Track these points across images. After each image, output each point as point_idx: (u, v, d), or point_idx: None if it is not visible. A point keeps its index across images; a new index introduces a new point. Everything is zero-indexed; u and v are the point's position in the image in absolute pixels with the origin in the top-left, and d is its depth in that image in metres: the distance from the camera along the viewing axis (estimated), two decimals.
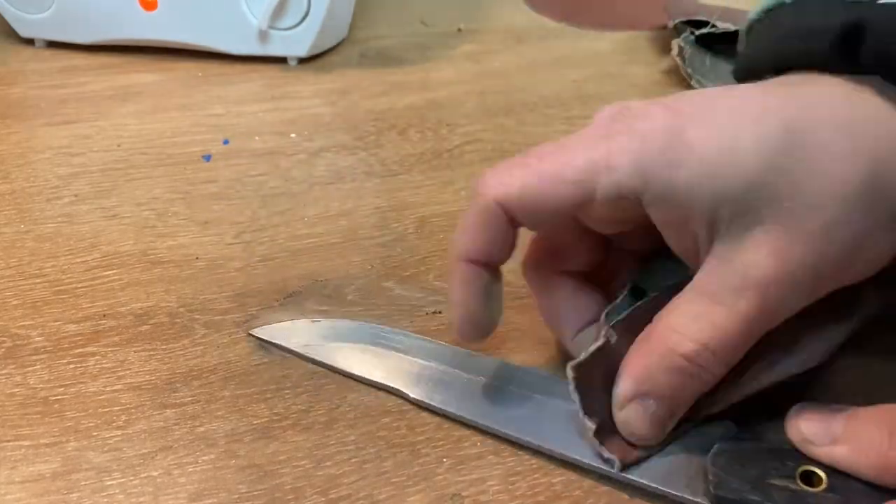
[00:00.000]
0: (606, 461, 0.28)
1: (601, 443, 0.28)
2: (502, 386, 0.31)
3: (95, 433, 0.30)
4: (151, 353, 0.33)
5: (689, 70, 0.52)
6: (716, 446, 0.27)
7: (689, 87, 0.52)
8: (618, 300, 0.30)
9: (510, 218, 0.27)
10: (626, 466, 0.28)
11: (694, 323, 0.26)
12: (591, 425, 0.28)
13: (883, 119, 0.26)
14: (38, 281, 0.36)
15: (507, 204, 0.26)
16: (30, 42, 0.53)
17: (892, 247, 0.26)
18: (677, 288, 0.27)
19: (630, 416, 0.27)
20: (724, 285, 0.25)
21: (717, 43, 0.54)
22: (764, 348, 0.27)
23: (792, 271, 0.25)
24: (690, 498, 0.27)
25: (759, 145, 0.25)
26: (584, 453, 0.28)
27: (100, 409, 0.31)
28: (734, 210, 0.25)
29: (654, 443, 0.28)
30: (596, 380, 0.28)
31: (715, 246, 0.26)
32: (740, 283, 0.25)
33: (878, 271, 0.27)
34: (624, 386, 0.27)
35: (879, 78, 0.26)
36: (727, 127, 0.25)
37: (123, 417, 0.30)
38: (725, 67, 0.54)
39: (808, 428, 0.26)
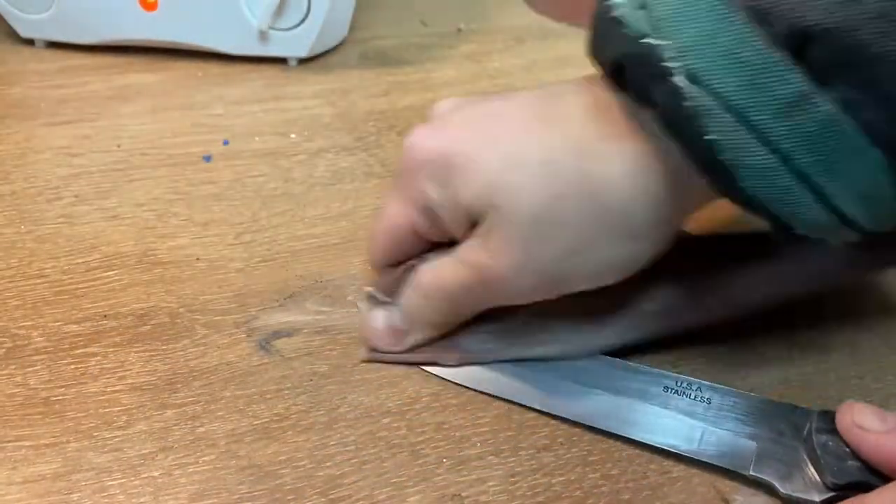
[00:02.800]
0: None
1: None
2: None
3: (96, 434, 0.30)
4: (152, 353, 0.33)
5: None
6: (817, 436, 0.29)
7: None
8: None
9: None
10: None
11: (438, 268, 0.31)
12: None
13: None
14: (38, 281, 0.36)
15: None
16: (30, 42, 0.53)
17: (626, 258, 0.30)
18: None
19: (377, 317, 0.33)
20: (461, 255, 0.31)
21: None
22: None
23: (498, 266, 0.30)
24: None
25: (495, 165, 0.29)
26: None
27: (100, 410, 0.31)
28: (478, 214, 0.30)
29: (391, 346, 0.33)
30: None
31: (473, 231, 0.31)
32: (458, 253, 0.31)
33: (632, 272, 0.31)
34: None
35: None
36: (473, 143, 0.30)
37: (124, 418, 0.30)
38: None
39: (861, 415, 0.28)
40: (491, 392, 0.32)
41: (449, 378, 0.32)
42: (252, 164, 0.44)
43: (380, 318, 0.33)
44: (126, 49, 0.52)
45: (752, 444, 0.29)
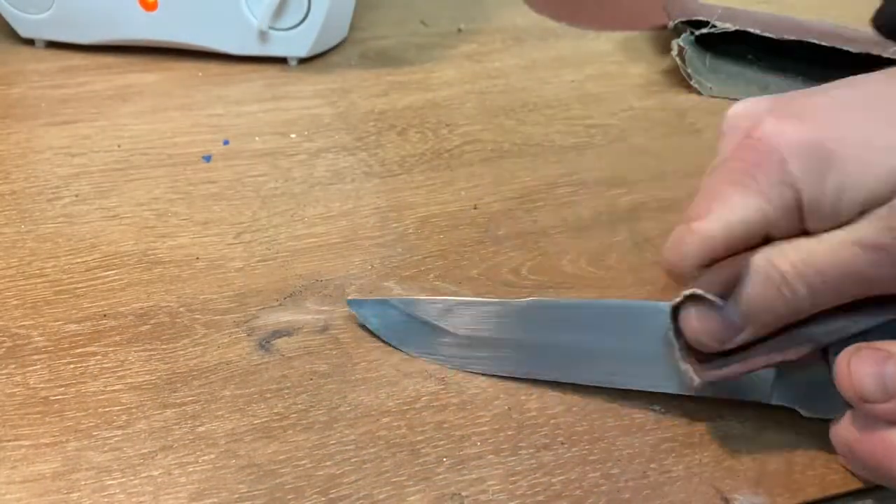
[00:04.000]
0: (684, 373, 0.28)
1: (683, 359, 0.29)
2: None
3: (96, 433, 0.30)
4: (152, 352, 0.33)
5: (689, 70, 0.52)
6: None
7: (689, 87, 0.52)
8: None
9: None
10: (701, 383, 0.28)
11: (796, 251, 0.27)
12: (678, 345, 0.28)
13: None
14: (38, 281, 0.36)
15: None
16: (30, 42, 0.53)
17: None
18: None
19: (707, 316, 0.28)
20: (835, 237, 0.27)
21: (717, 43, 0.54)
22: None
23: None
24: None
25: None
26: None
27: (100, 409, 0.31)
28: (874, 203, 0.26)
29: (713, 347, 0.28)
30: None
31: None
32: (849, 237, 0.26)
33: None
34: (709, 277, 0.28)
35: None
36: (861, 129, 0.27)
37: (124, 417, 0.30)
38: (725, 67, 0.54)
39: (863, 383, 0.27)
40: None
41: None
42: (252, 163, 0.44)
43: (712, 315, 0.28)
44: (126, 49, 0.52)
45: (769, 371, 0.28)
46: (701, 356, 0.29)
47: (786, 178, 0.27)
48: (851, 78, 0.29)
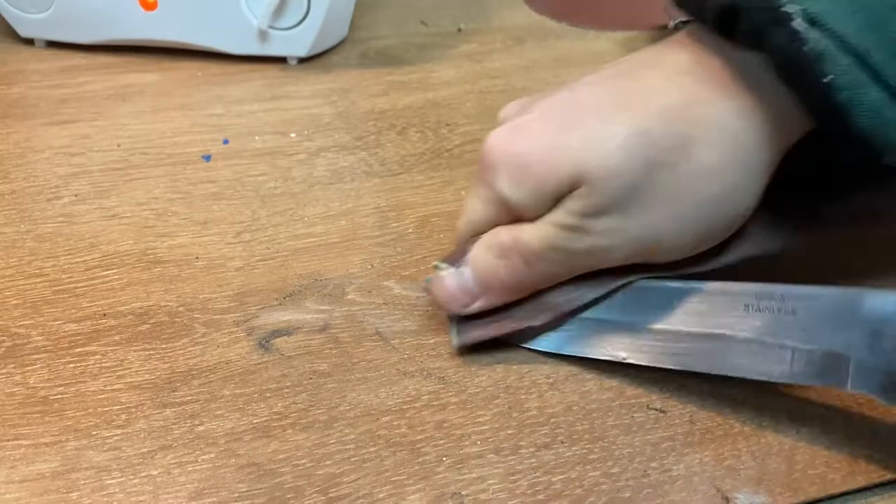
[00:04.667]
0: (452, 335, 0.34)
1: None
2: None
3: (95, 432, 0.30)
4: (151, 352, 0.33)
5: None
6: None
7: None
8: None
9: None
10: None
11: (511, 230, 0.32)
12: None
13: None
14: (38, 280, 0.36)
15: None
16: (30, 42, 0.53)
17: (725, 222, 0.31)
18: None
19: (446, 279, 0.33)
20: (548, 218, 0.31)
21: None
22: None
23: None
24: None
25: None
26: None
27: (100, 409, 0.31)
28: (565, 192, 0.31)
29: (457, 310, 0.33)
30: None
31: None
32: (549, 220, 0.31)
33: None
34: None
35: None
36: (546, 137, 0.31)
37: (123, 416, 0.30)
38: None
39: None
40: (604, 356, 0.33)
41: (556, 352, 0.33)
42: (252, 163, 0.44)
43: (449, 280, 0.33)
44: (126, 49, 0.52)
45: (846, 357, 0.28)
46: (464, 320, 0.33)
47: (497, 189, 0.31)
48: (592, 75, 0.33)
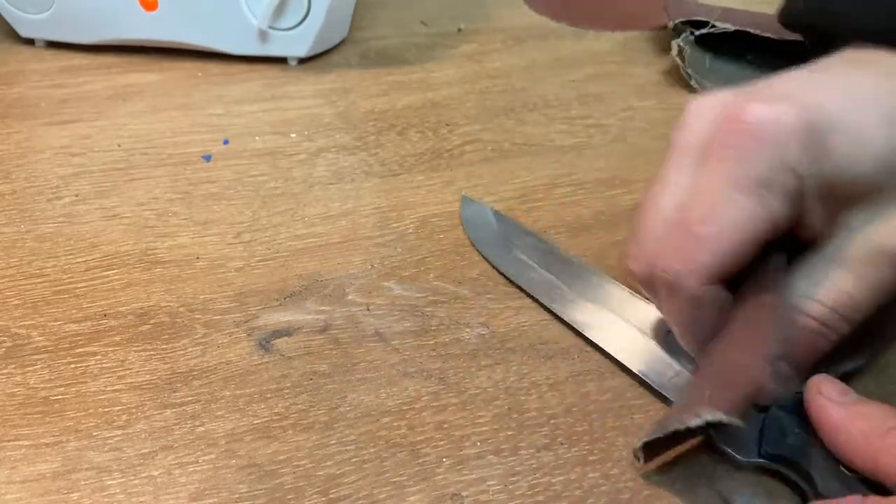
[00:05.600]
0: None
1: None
2: None
3: (96, 433, 0.30)
4: (152, 352, 0.33)
5: (689, 70, 0.52)
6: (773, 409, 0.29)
7: (689, 87, 0.52)
8: None
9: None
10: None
11: (824, 290, 0.27)
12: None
13: None
14: (38, 281, 0.36)
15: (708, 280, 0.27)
16: (30, 42, 0.53)
17: None
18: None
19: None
20: (855, 255, 0.26)
21: (717, 43, 0.54)
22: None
23: None
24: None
25: (884, 130, 0.26)
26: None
27: (100, 409, 0.31)
28: (867, 188, 0.26)
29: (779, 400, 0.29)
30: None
31: (846, 219, 0.27)
32: (873, 253, 0.26)
33: None
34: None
35: None
36: (852, 112, 0.26)
37: (124, 417, 0.30)
38: (725, 68, 0.54)
39: (826, 386, 0.27)
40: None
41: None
42: (252, 163, 0.44)
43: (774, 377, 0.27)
44: (126, 49, 0.52)
45: None
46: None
47: (786, 163, 0.25)
48: (809, 66, 0.28)
